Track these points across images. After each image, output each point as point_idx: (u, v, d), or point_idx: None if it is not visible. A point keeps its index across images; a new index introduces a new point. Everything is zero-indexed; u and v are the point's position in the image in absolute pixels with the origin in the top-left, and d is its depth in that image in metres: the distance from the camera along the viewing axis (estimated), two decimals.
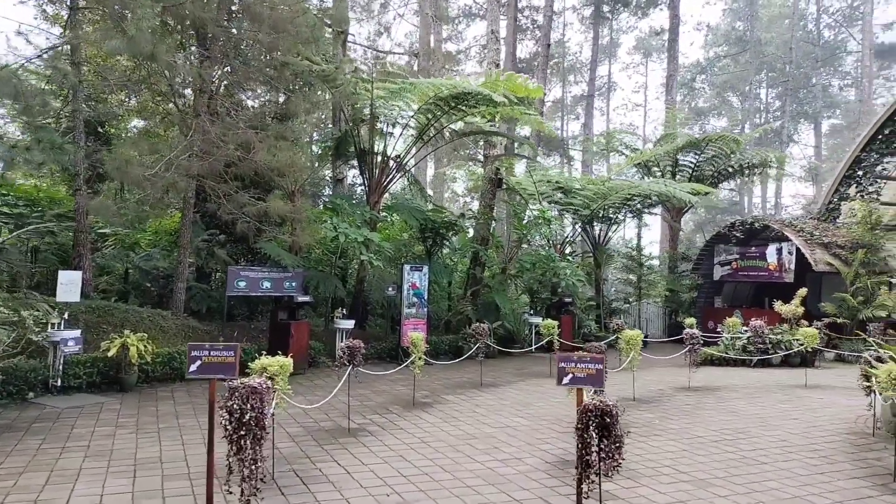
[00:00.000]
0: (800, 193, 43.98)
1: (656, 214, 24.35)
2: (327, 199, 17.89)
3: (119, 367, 9.24)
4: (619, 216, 19.89)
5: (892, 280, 15.42)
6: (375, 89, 13.89)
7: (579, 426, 4.27)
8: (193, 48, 12.43)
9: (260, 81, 13.88)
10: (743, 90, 44.73)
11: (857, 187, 17.73)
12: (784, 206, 41.80)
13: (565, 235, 19.61)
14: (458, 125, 16.35)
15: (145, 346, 9.33)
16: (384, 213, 16.20)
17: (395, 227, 18.64)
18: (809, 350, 12.58)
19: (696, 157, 21.77)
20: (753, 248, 18.85)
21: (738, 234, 19.02)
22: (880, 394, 6.94)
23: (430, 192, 25.54)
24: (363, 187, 16.09)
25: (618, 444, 4.18)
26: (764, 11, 45.00)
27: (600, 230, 19.56)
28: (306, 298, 12.20)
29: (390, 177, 15.16)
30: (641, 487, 5.52)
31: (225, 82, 13.33)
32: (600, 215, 18.88)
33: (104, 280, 13.57)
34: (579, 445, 4.27)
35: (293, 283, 12.28)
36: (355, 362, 7.68)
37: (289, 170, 11.73)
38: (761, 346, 13.79)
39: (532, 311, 16.94)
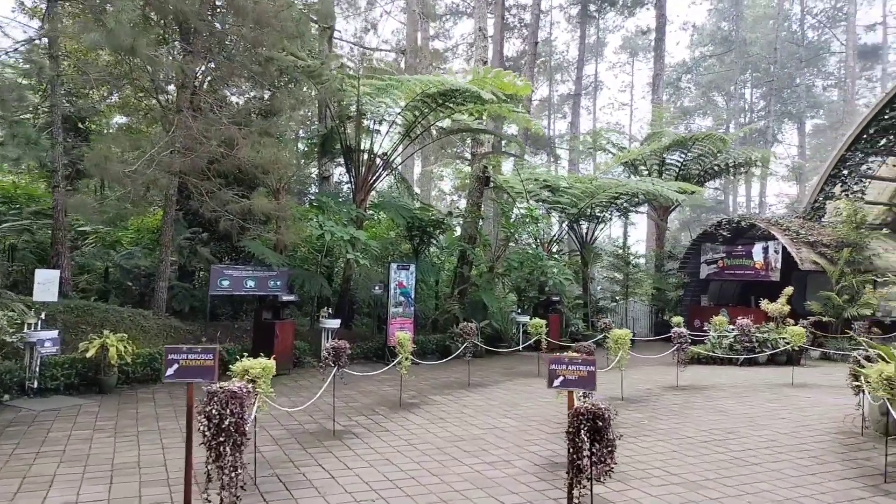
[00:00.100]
0: (784, 192, 44.42)
1: (643, 213, 24.37)
2: (313, 197, 17.69)
3: (98, 369, 9.01)
4: (606, 215, 19.87)
5: (876, 279, 15.52)
6: (362, 86, 13.71)
7: (570, 430, 4.16)
8: (176, 43, 12.19)
9: (244, 77, 13.63)
10: (728, 90, 44.99)
11: (842, 186, 17.83)
12: (768, 205, 42.16)
13: (552, 234, 19.56)
14: (446, 123, 16.23)
15: (125, 347, 9.10)
16: (371, 212, 16.04)
17: (381, 225, 18.48)
18: (796, 349, 12.61)
19: (683, 155, 21.80)
20: (740, 247, 18.91)
21: (724, 233, 19.07)
22: (869, 393, 6.93)
23: (417, 190, 25.36)
24: (350, 185, 15.90)
25: (610, 449, 4.08)
26: (749, 12, 45.28)
27: (587, 228, 19.53)
28: (291, 297, 12.01)
29: (377, 174, 15.00)
30: (632, 490, 5.44)
31: (209, 78, 13.09)
32: (587, 214, 18.84)
33: (84, 279, 13.29)
34: (570, 450, 4.16)
35: (278, 282, 12.09)
36: (340, 363, 7.54)
37: (273, 167, 11.54)
38: (748, 344, 13.81)
39: (520, 310, 16.85)
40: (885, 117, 16.67)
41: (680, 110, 46.19)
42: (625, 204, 19.48)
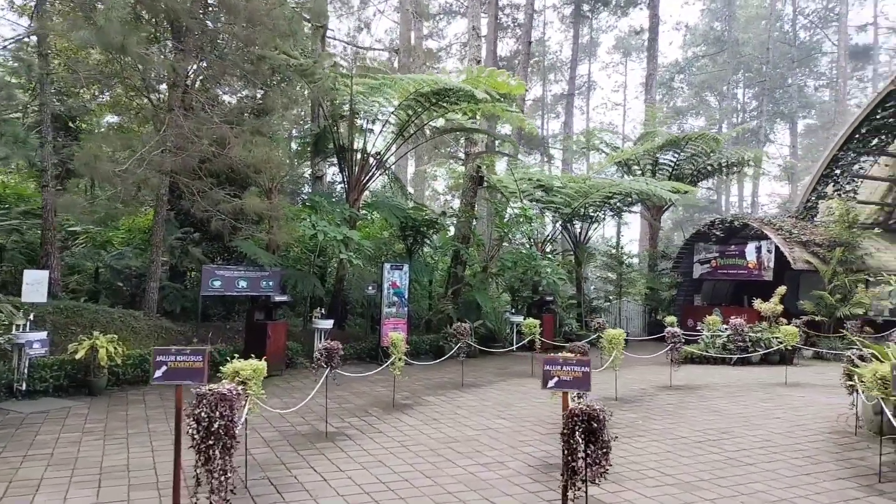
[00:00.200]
0: (776, 192, 44.65)
1: (636, 213, 24.39)
2: (306, 197, 17.58)
3: (88, 370, 8.90)
4: (600, 214, 19.87)
5: (868, 278, 15.57)
6: (355, 85, 13.64)
7: (565, 431, 4.12)
8: (168, 41, 12.07)
9: (236, 76, 13.51)
10: (720, 90, 45.14)
11: (834, 186, 17.88)
12: (761, 205, 42.33)
13: (546, 234, 19.54)
14: (440, 122, 16.16)
15: (115, 348, 9.00)
16: (364, 211, 15.96)
17: (375, 225, 18.40)
18: (789, 348, 12.62)
19: (676, 155, 21.80)
20: (733, 247, 18.94)
21: (717, 233, 19.09)
22: (863, 393, 6.93)
23: (410, 189, 25.27)
24: (343, 185, 15.83)
25: (605, 450, 4.05)
26: (741, 12, 45.44)
27: (581, 228, 19.51)
28: (284, 298, 11.93)
29: (370, 174, 14.93)
30: (627, 491, 5.40)
31: (200, 77, 12.99)
32: (581, 213, 18.82)
33: (74, 280, 13.16)
34: (565, 451, 4.12)
35: (270, 283, 11.99)
36: (333, 364, 7.47)
37: (265, 166, 11.44)
38: (741, 344, 13.83)
39: (513, 310, 16.81)
40: (877, 117, 16.73)
41: (673, 110, 46.31)
42: (618, 204, 19.49)
